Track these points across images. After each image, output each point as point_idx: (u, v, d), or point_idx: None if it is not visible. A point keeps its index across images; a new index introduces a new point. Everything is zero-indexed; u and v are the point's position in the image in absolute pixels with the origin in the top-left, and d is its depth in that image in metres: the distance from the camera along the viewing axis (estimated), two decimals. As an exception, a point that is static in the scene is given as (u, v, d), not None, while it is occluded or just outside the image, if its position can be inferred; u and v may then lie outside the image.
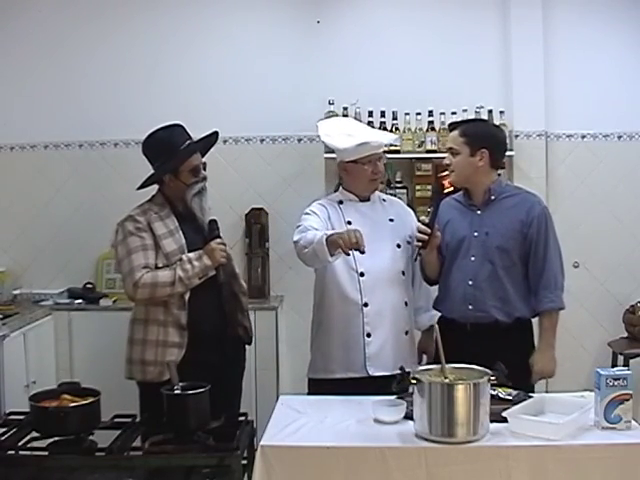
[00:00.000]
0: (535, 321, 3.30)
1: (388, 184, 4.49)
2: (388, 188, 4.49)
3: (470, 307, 3.21)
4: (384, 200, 3.46)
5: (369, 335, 3.23)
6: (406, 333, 3.32)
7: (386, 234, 3.32)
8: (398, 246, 3.32)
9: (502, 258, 3.20)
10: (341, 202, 3.37)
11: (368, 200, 3.38)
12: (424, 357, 3.48)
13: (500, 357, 2.67)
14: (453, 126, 3.34)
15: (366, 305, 3.24)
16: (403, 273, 3.32)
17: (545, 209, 3.28)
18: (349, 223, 3.25)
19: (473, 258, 3.23)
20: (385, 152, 3.38)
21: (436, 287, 3.42)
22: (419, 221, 3.31)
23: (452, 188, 3.28)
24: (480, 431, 2.40)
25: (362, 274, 3.25)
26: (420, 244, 3.19)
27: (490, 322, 3.17)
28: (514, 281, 3.21)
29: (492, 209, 3.25)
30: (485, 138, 3.25)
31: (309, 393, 3.26)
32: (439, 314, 3.34)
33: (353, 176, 3.33)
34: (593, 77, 4.69)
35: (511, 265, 3.21)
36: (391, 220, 3.37)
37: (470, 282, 3.21)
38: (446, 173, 3.27)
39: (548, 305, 3.20)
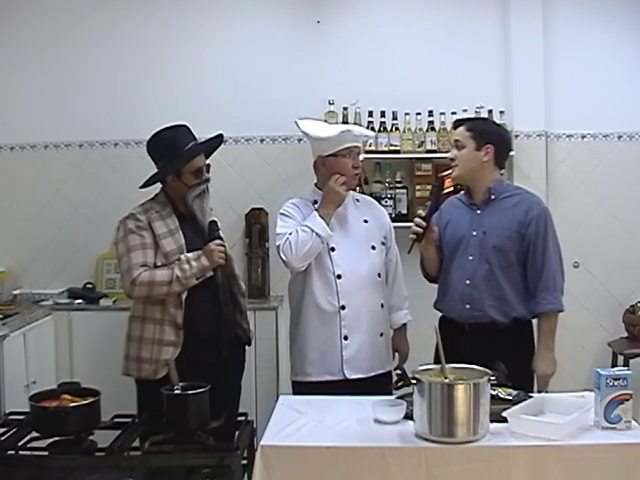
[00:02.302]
0: (535, 322, 3.29)
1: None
2: (387, 188, 4.50)
3: (467, 306, 3.20)
4: (357, 200, 3.43)
5: (346, 338, 3.23)
6: (381, 335, 3.32)
7: (361, 235, 3.31)
8: (373, 248, 3.31)
9: (499, 258, 3.18)
10: (315, 202, 3.32)
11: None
12: (396, 356, 3.47)
13: (499, 357, 2.66)
14: (459, 123, 3.32)
15: (343, 308, 3.23)
16: (379, 275, 3.32)
17: (545, 210, 3.26)
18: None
19: (471, 257, 3.22)
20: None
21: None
22: (416, 214, 3.27)
23: (452, 188, 3.28)
24: (480, 431, 2.40)
25: (339, 276, 3.24)
26: (415, 237, 3.18)
27: (487, 322, 3.16)
28: (511, 281, 3.19)
29: (492, 208, 3.24)
30: (491, 134, 3.24)
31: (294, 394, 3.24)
32: (407, 312, 3.44)
33: (334, 171, 3.25)
34: (593, 77, 4.69)
35: (508, 265, 3.19)
36: (365, 221, 3.36)
37: (467, 281, 3.20)
38: (447, 172, 3.26)
39: (547, 307, 3.17)
